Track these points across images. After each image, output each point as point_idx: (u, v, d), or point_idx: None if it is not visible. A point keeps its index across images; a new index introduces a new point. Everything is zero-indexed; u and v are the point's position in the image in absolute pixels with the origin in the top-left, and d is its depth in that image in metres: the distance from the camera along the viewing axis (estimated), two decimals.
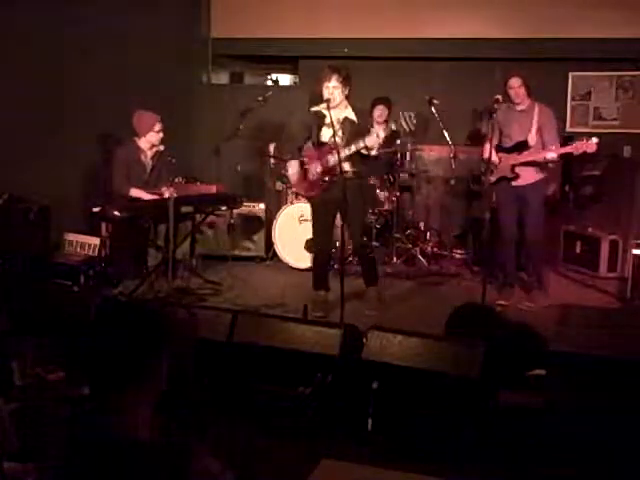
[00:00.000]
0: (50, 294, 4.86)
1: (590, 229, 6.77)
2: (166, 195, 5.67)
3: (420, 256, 6.89)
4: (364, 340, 3.96)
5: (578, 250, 6.84)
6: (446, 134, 6.65)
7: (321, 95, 5.06)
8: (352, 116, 5.13)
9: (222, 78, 9.05)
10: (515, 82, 5.39)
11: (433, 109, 6.69)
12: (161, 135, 5.98)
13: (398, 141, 6.85)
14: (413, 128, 5.17)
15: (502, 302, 5.47)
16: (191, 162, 7.98)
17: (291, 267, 6.69)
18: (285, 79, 9.15)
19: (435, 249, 7.18)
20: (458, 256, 7.18)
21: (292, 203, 6.81)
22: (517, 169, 5.43)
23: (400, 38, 7.71)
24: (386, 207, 6.85)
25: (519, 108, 5.46)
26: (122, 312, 1.93)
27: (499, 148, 5.52)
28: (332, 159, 5.06)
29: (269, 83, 8.34)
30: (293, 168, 5.28)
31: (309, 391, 3.84)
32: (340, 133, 5.03)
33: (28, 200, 5.73)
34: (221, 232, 6.68)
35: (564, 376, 3.49)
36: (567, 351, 3.55)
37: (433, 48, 7.68)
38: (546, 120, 5.40)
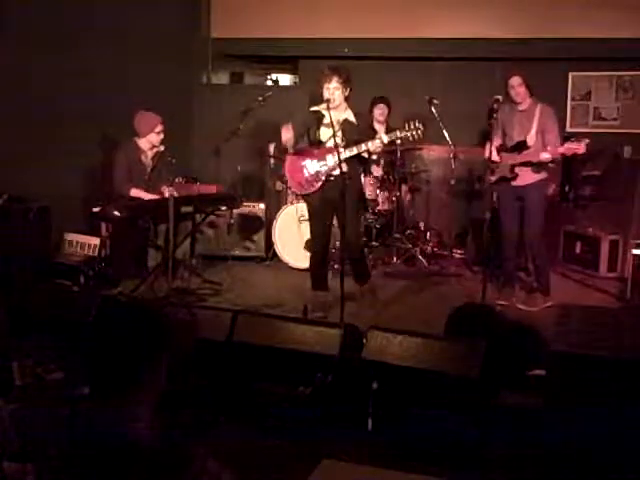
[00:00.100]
0: (50, 294, 4.86)
1: (590, 229, 6.77)
2: (166, 195, 5.67)
3: (420, 256, 6.89)
4: (364, 340, 3.96)
5: (578, 250, 6.84)
6: (446, 134, 6.65)
7: (321, 95, 5.06)
8: (352, 118, 5.13)
9: (222, 78, 9.05)
10: (515, 81, 5.38)
11: (433, 109, 6.69)
12: (162, 136, 5.99)
13: (398, 141, 6.84)
14: (422, 136, 5.14)
15: (502, 302, 5.46)
16: (191, 162, 7.99)
17: (291, 267, 6.69)
18: (285, 79, 9.15)
19: (435, 249, 7.18)
20: (458, 256, 7.18)
21: (292, 203, 6.81)
22: (517, 169, 5.43)
23: (400, 38, 7.71)
24: (386, 207, 6.85)
25: (520, 108, 5.45)
26: (122, 312, 1.92)
27: (502, 148, 5.52)
28: (331, 159, 5.06)
29: (269, 83, 8.35)
30: (285, 134, 5.21)
31: (309, 391, 3.84)
32: (339, 134, 5.02)
33: (28, 200, 5.74)
34: (221, 232, 6.68)
35: (564, 376, 3.49)
36: (567, 351, 3.55)
37: (433, 48, 7.68)
38: (547, 120, 5.39)
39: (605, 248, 6.56)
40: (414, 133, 5.08)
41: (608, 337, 3.81)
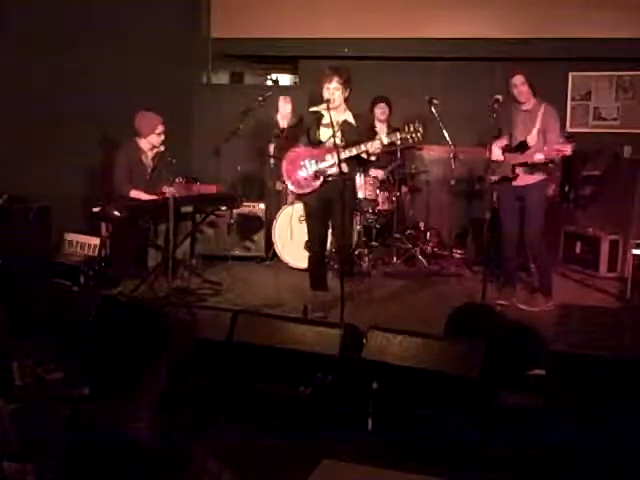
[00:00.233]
0: (50, 294, 4.86)
1: (590, 229, 6.77)
2: (167, 194, 5.68)
3: (420, 256, 6.89)
4: (364, 340, 3.96)
5: (578, 250, 6.84)
6: (446, 134, 6.65)
7: (321, 95, 5.06)
8: (351, 119, 5.13)
9: (222, 78, 9.05)
10: (518, 80, 5.38)
11: (433, 109, 6.69)
12: (162, 137, 5.99)
13: (398, 141, 6.84)
14: (421, 138, 5.14)
15: (502, 302, 5.46)
16: (191, 162, 7.99)
17: (291, 267, 6.69)
18: (285, 79, 9.15)
19: (435, 249, 7.18)
20: (458, 256, 7.18)
21: (292, 203, 6.81)
22: (517, 169, 5.43)
23: (400, 38, 7.72)
24: (386, 207, 6.85)
25: (524, 108, 5.45)
26: (122, 312, 1.93)
27: (506, 148, 5.51)
28: (330, 159, 5.06)
29: (269, 83, 8.34)
30: (285, 106, 5.17)
31: (309, 391, 3.84)
32: (339, 135, 5.02)
33: (28, 200, 5.74)
34: (221, 232, 6.68)
35: (564, 376, 3.49)
36: (567, 351, 3.55)
37: (433, 48, 7.68)
38: (550, 120, 5.37)
39: (605, 248, 6.56)
40: (414, 135, 5.08)
41: (608, 337, 3.81)
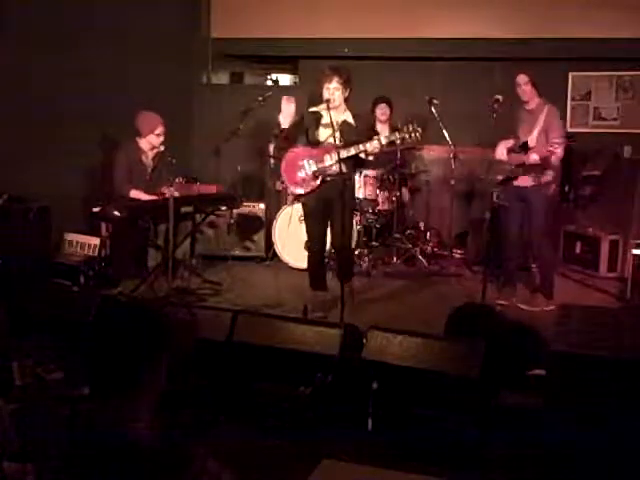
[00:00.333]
0: (50, 294, 4.86)
1: (590, 229, 6.77)
2: (167, 195, 5.68)
3: (420, 256, 6.89)
4: (364, 340, 3.96)
5: (578, 250, 6.84)
6: (446, 134, 6.65)
7: (321, 95, 5.05)
8: (350, 119, 5.13)
9: (222, 78, 9.05)
10: (521, 79, 5.39)
11: (433, 109, 6.69)
12: (162, 139, 5.98)
13: (398, 141, 6.84)
14: (420, 138, 5.14)
15: (502, 302, 5.46)
16: (191, 162, 7.99)
17: (291, 267, 6.69)
18: (285, 79, 9.15)
19: (435, 249, 7.18)
20: (458, 256, 7.18)
21: (292, 203, 6.81)
22: (520, 170, 5.42)
23: (400, 38, 7.71)
24: (386, 207, 6.85)
25: (528, 108, 5.45)
26: (122, 312, 1.93)
27: (512, 148, 5.51)
28: (329, 159, 5.06)
29: (269, 83, 8.34)
30: (288, 106, 5.14)
31: (309, 391, 3.84)
32: (337, 135, 5.02)
33: (28, 200, 5.74)
34: (221, 232, 6.68)
35: (564, 376, 3.49)
36: (567, 351, 3.55)
37: (433, 48, 7.68)
38: (552, 121, 5.36)
39: (605, 248, 6.56)
40: (412, 135, 5.09)
41: (608, 337, 3.81)
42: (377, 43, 7.79)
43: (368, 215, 6.74)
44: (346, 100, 5.12)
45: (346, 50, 7.75)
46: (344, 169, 4.88)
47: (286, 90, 8.31)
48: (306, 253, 5.59)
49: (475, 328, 4.15)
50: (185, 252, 6.09)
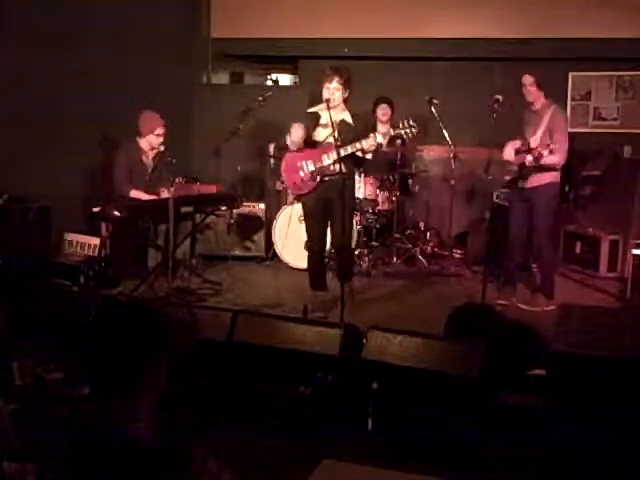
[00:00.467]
0: (50, 294, 4.86)
1: (590, 229, 6.77)
2: (164, 196, 5.68)
3: (420, 256, 6.89)
4: (364, 340, 3.96)
5: (578, 250, 6.84)
6: (446, 134, 6.65)
7: (320, 95, 5.05)
8: (349, 119, 5.13)
9: (222, 78, 9.05)
10: (527, 80, 5.39)
11: (433, 109, 6.69)
12: (161, 140, 5.98)
13: (398, 141, 6.85)
14: (415, 133, 5.15)
15: (502, 302, 5.46)
16: (191, 162, 7.99)
17: (291, 267, 6.69)
18: (285, 79, 9.15)
19: (435, 249, 7.18)
20: (458, 256, 7.18)
21: (292, 203, 6.81)
22: (525, 171, 5.43)
23: (400, 38, 7.71)
24: (386, 207, 6.85)
25: (534, 108, 5.45)
26: (122, 312, 1.93)
27: (519, 148, 5.52)
28: (326, 159, 5.06)
29: (269, 83, 8.34)
30: (297, 131, 5.13)
31: (309, 391, 3.84)
32: (336, 134, 5.01)
33: (28, 200, 5.74)
34: (221, 232, 6.68)
35: (564, 376, 3.49)
36: (567, 351, 3.55)
37: (433, 48, 7.68)
38: (556, 123, 5.35)
39: (605, 248, 6.56)
40: (407, 131, 5.09)
41: (608, 337, 3.81)
42: (377, 43, 7.79)
43: (368, 215, 6.74)
44: (345, 100, 5.12)
45: (346, 50, 7.75)
46: (343, 169, 4.88)
47: (286, 90, 8.32)
48: (306, 253, 5.60)
49: (475, 328, 4.15)
50: (185, 252, 6.09)
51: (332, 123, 4.84)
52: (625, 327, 4.13)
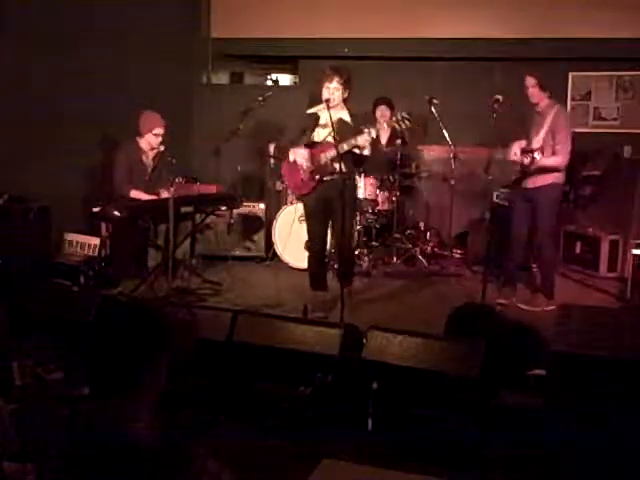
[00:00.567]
0: (50, 294, 4.86)
1: (590, 229, 6.77)
2: (165, 196, 5.68)
3: (420, 256, 6.90)
4: (364, 340, 3.96)
5: (578, 250, 6.84)
6: (446, 134, 6.65)
7: (320, 94, 5.05)
8: (346, 117, 5.12)
9: (222, 78, 9.05)
10: (529, 82, 5.40)
11: (433, 109, 6.69)
12: (160, 140, 5.98)
13: (398, 141, 6.85)
14: (409, 125, 5.14)
15: (502, 301, 5.47)
16: (191, 162, 7.99)
17: (291, 267, 6.69)
18: (285, 79, 9.15)
19: (435, 249, 7.18)
20: (458, 256, 7.18)
21: (292, 203, 6.81)
22: (528, 171, 5.43)
23: (400, 38, 7.71)
24: (386, 207, 6.85)
25: (537, 109, 5.46)
26: (122, 312, 1.93)
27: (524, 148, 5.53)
28: (323, 157, 5.06)
29: (269, 83, 8.34)
30: (301, 155, 5.14)
31: (309, 391, 3.84)
32: (334, 133, 5.01)
33: (28, 200, 5.74)
34: (221, 232, 6.68)
35: (564, 376, 3.49)
36: (567, 351, 3.55)
37: (433, 48, 7.68)
38: (558, 124, 5.35)
39: (605, 248, 6.56)
40: (401, 123, 5.08)
41: (608, 337, 3.81)
42: (377, 43, 7.79)
43: (368, 215, 6.74)
44: (345, 100, 5.12)
45: (346, 50, 7.75)
46: (343, 168, 4.88)
47: (286, 90, 8.33)
48: (306, 253, 5.60)
49: (475, 328, 4.14)
50: (185, 252, 6.09)
51: (332, 122, 4.84)
52: (625, 327, 4.13)
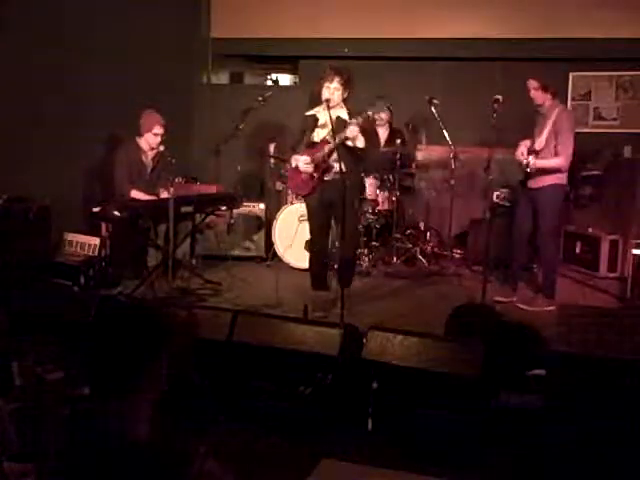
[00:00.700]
0: (50, 294, 4.85)
1: (590, 229, 6.77)
2: (165, 196, 5.68)
3: (420, 256, 6.90)
4: (364, 340, 3.96)
5: (578, 250, 6.84)
6: (446, 134, 6.65)
7: (319, 94, 5.05)
8: (344, 116, 5.11)
9: (222, 78, 9.06)
10: (531, 84, 5.41)
11: (433, 109, 6.69)
12: (159, 139, 5.98)
13: (398, 141, 6.85)
14: (391, 109, 5.18)
15: (501, 299, 5.47)
16: (191, 162, 7.99)
17: (291, 267, 6.69)
18: (285, 79, 9.15)
19: (435, 249, 7.18)
20: (458, 256, 7.18)
21: (292, 203, 6.81)
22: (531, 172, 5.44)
23: (400, 38, 7.72)
24: (386, 207, 6.85)
25: (541, 110, 5.47)
26: (122, 312, 1.93)
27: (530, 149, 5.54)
28: (320, 155, 5.06)
29: (269, 83, 8.35)
30: (303, 161, 5.15)
31: (309, 391, 3.84)
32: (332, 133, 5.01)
33: (28, 200, 5.73)
34: (221, 232, 6.68)
35: (564, 376, 3.49)
36: (567, 351, 3.55)
37: (433, 48, 7.68)
38: (561, 125, 5.35)
39: (605, 248, 6.55)
40: (386, 109, 5.06)
41: (608, 337, 3.81)
42: (377, 43, 7.79)
43: (368, 215, 6.74)
44: (345, 100, 5.12)
45: (346, 50, 7.75)
46: (343, 168, 4.86)
47: (286, 90, 8.33)
48: (306, 253, 5.60)
49: (475, 328, 4.14)
50: (185, 252, 6.09)
51: (331, 122, 4.84)
52: (625, 327, 4.13)
